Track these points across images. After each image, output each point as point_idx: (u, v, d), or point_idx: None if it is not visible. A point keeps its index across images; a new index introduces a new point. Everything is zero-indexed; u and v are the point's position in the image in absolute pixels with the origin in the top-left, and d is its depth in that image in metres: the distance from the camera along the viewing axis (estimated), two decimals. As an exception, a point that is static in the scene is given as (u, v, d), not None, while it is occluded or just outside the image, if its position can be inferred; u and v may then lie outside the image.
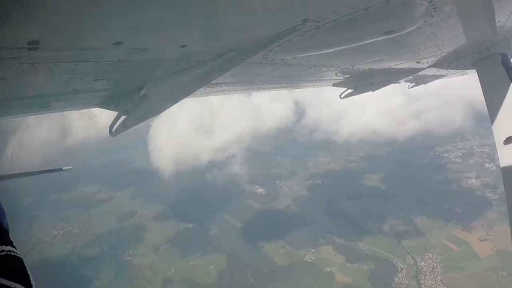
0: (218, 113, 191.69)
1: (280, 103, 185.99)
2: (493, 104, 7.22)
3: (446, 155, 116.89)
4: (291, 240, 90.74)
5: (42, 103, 5.29)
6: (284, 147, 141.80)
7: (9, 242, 0.99)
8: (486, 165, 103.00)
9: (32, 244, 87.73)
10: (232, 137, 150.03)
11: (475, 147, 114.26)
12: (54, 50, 2.81)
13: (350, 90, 10.45)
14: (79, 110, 6.76)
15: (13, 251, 0.96)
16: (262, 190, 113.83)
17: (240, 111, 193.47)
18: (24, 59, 2.72)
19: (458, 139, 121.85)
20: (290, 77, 8.22)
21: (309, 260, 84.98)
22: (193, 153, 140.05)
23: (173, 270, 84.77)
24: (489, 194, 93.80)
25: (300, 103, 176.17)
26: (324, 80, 9.94)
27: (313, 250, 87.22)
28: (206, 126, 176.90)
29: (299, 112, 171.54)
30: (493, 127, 7.08)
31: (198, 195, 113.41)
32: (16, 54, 2.61)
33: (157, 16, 2.56)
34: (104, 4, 2.20)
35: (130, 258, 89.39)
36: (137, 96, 4.73)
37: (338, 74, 8.81)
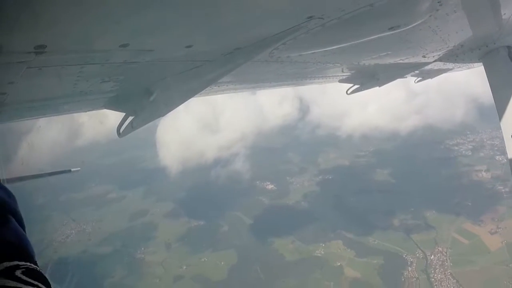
0: (224, 111, 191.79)
1: (285, 101, 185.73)
2: (501, 97, 7.16)
3: (456, 148, 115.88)
4: (301, 236, 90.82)
5: (50, 106, 5.33)
6: (293, 143, 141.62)
7: (28, 258, 1.07)
8: (497, 157, 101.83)
9: (46, 243, 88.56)
10: (238, 135, 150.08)
11: (485, 140, 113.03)
12: (61, 53, 2.83)
13: (356, 86, 10.38)
14: (86, 112, 6.80)
15: (30, 266, 1.04)
16: (272, 186, 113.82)
17: (245, 109, 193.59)
18: (31, 63, 2.74)
19: (468, 132, 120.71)
20: (296, 74, 8.18)
21: (319, 255, 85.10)
22: (200, 151, 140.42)
23: (184, 267, 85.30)
24: (499, 187, 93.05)
25: (305, 100, 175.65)
26: (330, 76, 9.88)
27: (323, 245, 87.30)
28: (212, 124, 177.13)
29: (304, 109, 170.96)
30: (500, 120, 7.03)
31: (209, 192, 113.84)
32: (23, 59, 2.64)
33: (162, 17, 2.56)
34: (109, 7, 2.21)
35: (142, 256, 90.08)
36: (144, 97, 4.73)
37: (344, 70, 8.78)
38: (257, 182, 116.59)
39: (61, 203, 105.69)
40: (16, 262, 1.01)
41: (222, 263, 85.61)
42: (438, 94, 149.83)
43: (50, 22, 2.18)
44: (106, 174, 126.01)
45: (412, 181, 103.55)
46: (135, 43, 3.00)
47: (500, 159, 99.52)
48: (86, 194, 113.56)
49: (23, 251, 1.10)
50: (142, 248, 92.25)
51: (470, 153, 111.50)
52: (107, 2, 2.15)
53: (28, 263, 1.04)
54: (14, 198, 1.31)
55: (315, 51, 5.06)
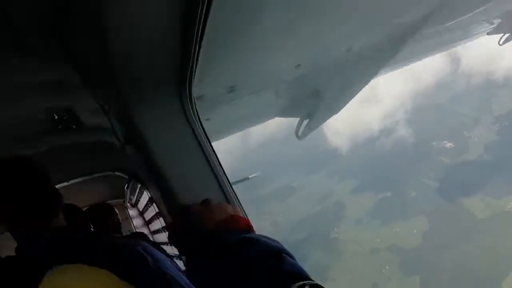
0: (377, 80, 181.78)
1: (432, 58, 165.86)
2: None
3: None
4: (490, 191, 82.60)
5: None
6: (457, 96, 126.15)
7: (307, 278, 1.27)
8: None
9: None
10: (397, 101, 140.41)
11: None
12: (248, 89, 3.39)
13: (508, 34, 9.04)
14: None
15: (313, 282, 1.20)
16: (450, 144, 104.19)
17: (398, 73, 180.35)
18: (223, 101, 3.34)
19: None
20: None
21: (512, 209, 76.27)
22: (365, 125, 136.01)
23: (378, 240, 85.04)
24: None
25: (453, 53, 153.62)
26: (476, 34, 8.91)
27: (517, 197, 77.80)
28: (369, 96, 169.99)
29: (455, 61, 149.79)
30: None
31: (386, 163, 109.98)
32: (217, 100, 3.24)
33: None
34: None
35: (337, 235, 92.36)
36: (315, 100, 5.14)
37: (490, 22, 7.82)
38: (434, 143, 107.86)
39: (249, 201, 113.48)
40: (301, 282, 1.19)
41: (414, 230, 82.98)
42: None
43: (242, 64, 2.67)
44: (289, 163, 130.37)
45: None
46: (304, 63, 3.41)
47: None
48: (271, 188, 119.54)
49: (299, 274, 1.29)
50: (335, 228, 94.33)
51: None
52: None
53: (310, 281, 1.23)
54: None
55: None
